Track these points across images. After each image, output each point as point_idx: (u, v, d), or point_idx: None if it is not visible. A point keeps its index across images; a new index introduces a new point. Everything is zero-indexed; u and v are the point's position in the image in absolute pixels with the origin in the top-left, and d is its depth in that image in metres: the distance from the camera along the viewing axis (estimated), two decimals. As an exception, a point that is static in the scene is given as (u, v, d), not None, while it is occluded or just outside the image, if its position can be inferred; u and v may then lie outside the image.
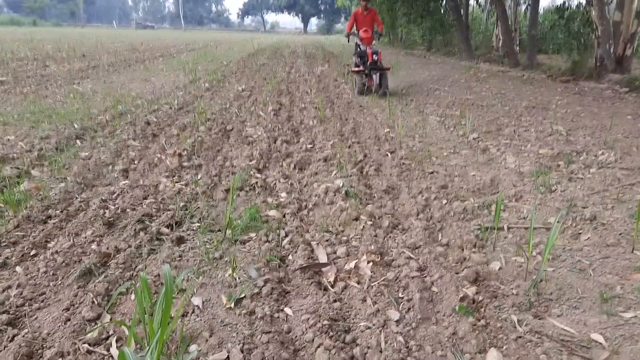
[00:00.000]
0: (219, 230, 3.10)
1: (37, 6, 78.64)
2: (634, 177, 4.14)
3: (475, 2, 20.76)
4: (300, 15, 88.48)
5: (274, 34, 67.33)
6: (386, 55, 20.07)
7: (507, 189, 3.99)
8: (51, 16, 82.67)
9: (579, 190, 3.96)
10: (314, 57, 18.36)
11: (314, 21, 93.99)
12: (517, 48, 15.74)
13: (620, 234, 3.12)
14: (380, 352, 2.01)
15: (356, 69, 9.17)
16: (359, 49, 9.33)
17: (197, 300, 2.33)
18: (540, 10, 20.26)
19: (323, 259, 2.77)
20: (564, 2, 14.58)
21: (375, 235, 3.06)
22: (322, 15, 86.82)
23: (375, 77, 8.75)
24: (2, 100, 7.40)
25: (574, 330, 2.18)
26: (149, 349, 1.60)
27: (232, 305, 2.31)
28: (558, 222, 2.57)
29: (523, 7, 19.18)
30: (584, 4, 13.51)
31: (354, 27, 9.88)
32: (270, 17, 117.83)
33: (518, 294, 2.45)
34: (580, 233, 3.16)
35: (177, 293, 2.42)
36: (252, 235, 3.04)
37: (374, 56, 8.66)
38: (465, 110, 7.14)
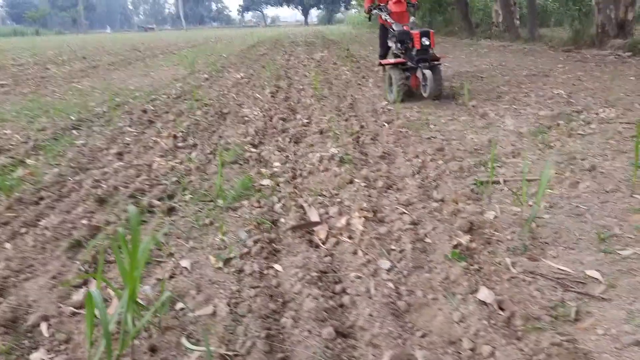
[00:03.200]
0: (211, 201, 3.07)
1: (38, 15, 79.00)
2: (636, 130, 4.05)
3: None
4: (300, 7, 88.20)
5: (275, 27, 67.12)
6: (375, 42, 19.93)
7: (505, 147, 3.92)
8: (53, 25, 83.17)
9: (578, 145, 3.88)
10: (313, 45, 18.25)
11: (314, 13, 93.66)
12: (518, 22, 15.52)
13: (619, 181, 3.06)
14: (370, 297, 1.96)
15: (392, 60, 6.17)
16: (392, 30, 6.40)
17: (185, 262, 2.30)
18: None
19: (315, 218, 2.73)
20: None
21: (369, 195, 3.01)
22: (321, 6, 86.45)
23: (426, 73, 5.58)
24: (1, 101, 7.42)
25: (570, 269, 2.12)
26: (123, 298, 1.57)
27: (221, 265, 2.27)
28: (550, 164, 2.50)
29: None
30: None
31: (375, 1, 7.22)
32: (271, 11, 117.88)
33: (513, 239, 2.39)
34: (578, 182, 3.09)
35: (166, 257, 2.39)
36: (244, 202, 3.01)
37: (423, 40, 5.70)
38: (465, 82, 7.04)
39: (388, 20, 6.47)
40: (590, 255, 2.23)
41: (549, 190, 2.99)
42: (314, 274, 2.12)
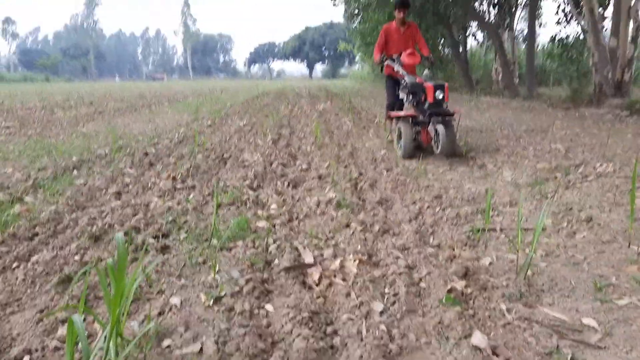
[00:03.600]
0: (206, 240, 3.05)
1: (49, 63, 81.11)
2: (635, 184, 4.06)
3: (472, 37, 21.10)
4: (305, 61, 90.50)
5: (281, 80, 68.64)
6: (381, 94, 20.32)
7: (502, 197, 3.93)
8: (64, 72, 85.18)
9: (575, 197, 3.89)
10: (317, 97, 18.61)
11: (319, 67, 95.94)
12: (517, 80, 15.88)
13: (616, 232, 3.04)
14: (361, 339, 1.92)
15: (402, 113, 5.85)
16: (403, 82, 6.15)
17: (175, 300, 2.26)
18: (540, 44, 20.58)
19: (309, 260, 2.70)
20: (560, 32, 14.78)
21: (365, 239, 2.99)
22: (326, 61, 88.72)
23: (439, 129, 5.31)
24: (5, 141, 7.51)
25: (566, 316, 2.08)
26: (105, 330, 1.54)
27: (211, 303, 2.24)
28: (545, 213, 2.50)
29: (521, 41, 19.49)
30: (579, 33, 13.69)
31: (385, 51, 6.88)
32: (277, 65, 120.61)
33: (508, 286, 2.35)
34: (575, 232, 3.07)
35: (156, 294, 2.35)
36: (239, 242, 2.99)
37: (437, 93, 5.43)
38: (465, 135, 7.13)
39: (400, 72, 6.17)
40: (587, 303, 2.19)
41: (546, 239, 2.97)
42: (305, 314, 2.08)
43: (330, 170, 4.91)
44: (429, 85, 5.50)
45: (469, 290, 2.30)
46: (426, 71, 6.31)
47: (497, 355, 1.79)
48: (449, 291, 2.26)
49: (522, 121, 8.97)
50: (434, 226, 3.31)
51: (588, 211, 3.47)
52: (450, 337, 1.93)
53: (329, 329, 2.04)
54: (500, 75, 16.00)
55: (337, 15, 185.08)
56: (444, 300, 2.19)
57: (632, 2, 11.07)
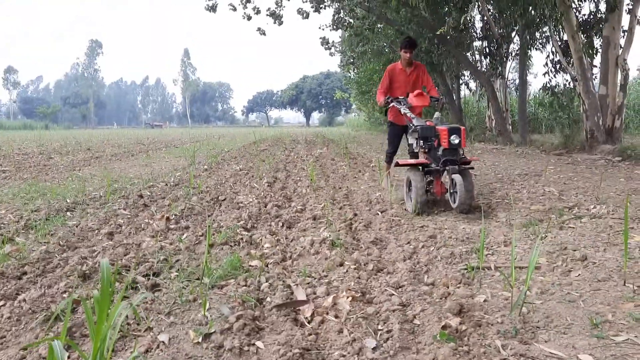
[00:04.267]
0: (197, 279, 3.01)
1: (49, 111, 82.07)
2: (628, 224, 4.06)
3: (465, 86, 21.53)
4: (302, 110, 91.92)
5: (278, 127, 69.44)
6: (377, 141, 20.54)
7: (497, 237, 3.91)
8: (63, 120, 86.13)
9: (569, 236, 3.88)
10: (313, 143, 18.80)
11: (315, 115, 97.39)
12: (510, 128, 16.11)
13: (611, 271, 3.01)
14: (353, 376, 1.87)
15: (412, 161, 5.19)
16: (411, 125, 5.46)
17: (163, 337, 2.21)
18: (532, 92, 21.00)
19: (302, 297, 2.66)
20: (550, 80, 15.12)
21: (359, 277, 2.96)
22: (322, 109, 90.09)
23: (456, 180, 4.62)
24: (0, 185, 7.51)
25: (562, 353, 2.04)
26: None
27: (200, 339, 2.18)
28: (537, 250, 2.49)
29: (513, 89, 19.89)
30: (569, 81, 13.99)
31: (389, 93, 6.32)
32: (274, 113, 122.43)
33: (503, 322, 2.31)
34: (570, 271, 3.05)
35: (144, 331, 2.30)
36: (231, 281, 2.95)
37: (452, 138, 4.79)
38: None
39: (408, 115, 5.57)
40: (583, 340, 2.15)
41: (541, 278, 2.94)
42: (297, 350, 2.04)
43: (325, 212, 4.90)
44: (442, 128, 4.87)
45: (464, 327, 2.26)
46: (437, 114, 5.38)
47: (493, 391, 1.74)
48: (443, 327, 2.21)
49: (516, 166, 9.04)
50: (429, 265, 3.28)
51: (582, 250, 3.46)
52: (445, 374, 1.88)
53: (320, 366, 1.99)
54: (494, 122, 16.24)
55: (333, 64, 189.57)
56: (438, 337, 2.14)
57: (620, 52, 11.38)
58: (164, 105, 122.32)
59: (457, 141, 4.78)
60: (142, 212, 5.17)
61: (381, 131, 29.49)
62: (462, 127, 4.92)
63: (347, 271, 3.09)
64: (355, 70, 28.17)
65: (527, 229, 4.15)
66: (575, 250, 3.47)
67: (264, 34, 19.59)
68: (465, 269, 3.11)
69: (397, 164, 5.25)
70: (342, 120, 76.21)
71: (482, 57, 17.93)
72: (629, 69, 11.61)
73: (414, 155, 5.63)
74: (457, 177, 4.58)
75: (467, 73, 20.30)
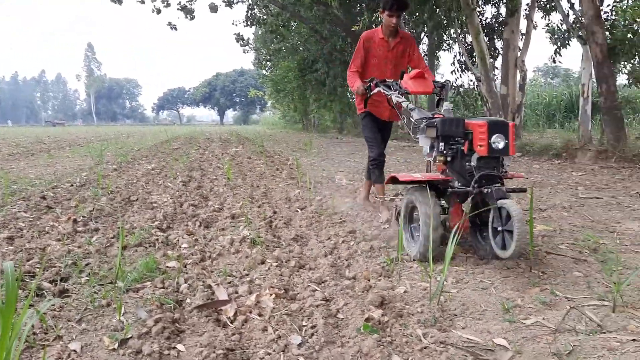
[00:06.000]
0: (110, 282, 2.85)
1: None
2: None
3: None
4: (216, 107, 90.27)
5: (190, 126, 67.66)
6: (293, 139, 20.62)
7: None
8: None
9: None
10: (228, 141, 18.50)
11: (230, 113, 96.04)
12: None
13: (518, 259, 3.19)
14: (279, 373, 1.84)
15: (420, 176, 3.42)
16: (409, 120, 3.87)
17: (75, 345, 2.06)
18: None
19: (223, 297, 2.60)
20: (456, 80, 15.91)
21: (281, 274, 2.93)
22: (237, 107, 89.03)
23: (510, 209, 2.72)
24: None
25: (478, 338, 2.14)
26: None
27: (116, 346, 2.06)
28: (454, 238, 2.59)
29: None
30: (474, 81, 14.77)
31: (364, 74, 4.52)
32: (187, 111, 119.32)
33: (423, 312, 2.39)
34: (482, 259, 3.20)
35: (53, 340, 2.14)
36: (147, 283, 2.82)
37: (494, 138, 2.99)
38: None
39: (403, 105, 3.75)
40: (497, 324, 2.26)
41: (456, 268, 3.07)
42: (220, 351, 1.98)
43: (243, 210, 4.83)
44: (479, 123, 3.03)
45: (386, 319, 2.30)
46: (447, 104, 3.54)
47: (417, 379, 1.78)
48: (367, 320, 2.24)
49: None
50: (349, 259, 3.32)
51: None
52: (370, 365, 1.90)
53: (246, 366, 1.94)
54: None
55: (247, 61, 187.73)
56: (362, 329, 2.17)
57: (519, 54, 12.15)
58: (66, 102, 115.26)
59: (501, 145, 2.96)
60: (45, 214, 4.82)
61: (297, 130, 29.60)
62: (511, 122, 3.09)
63: (269, 269, 3.05)
64: (271, 68, 28.09)
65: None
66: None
67: (175, 28, 19.07)
68: (385, 262, 3.18)
69: (394, 180, 3.42)
70: (257, 118, 75.79)
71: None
72: (526, 70, 12.45)
73: (374, 171, 4.60)
74: (510, 206, 2.73)
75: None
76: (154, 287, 2.75)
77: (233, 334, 2.22)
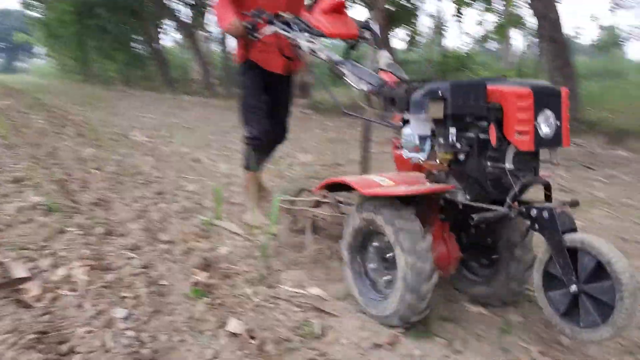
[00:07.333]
0: None
1: None
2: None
3: (170, 36, 21.15)
4: (-29, 52, 76.49)
5: None
6: (74, 91, 18.65)
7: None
8: None
9: (286, 184, 4.23)
10: (-9, 92, 15.88)
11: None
12: (216, 80, 16.53)
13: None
14: (107, 351, 1.70)
15: (402, 190, 1.93)
16: (365, 81, 2.19)
17: None
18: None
19: (22, 274, 2.26)
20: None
21: (88, 243, 2.66)
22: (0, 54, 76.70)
23: (597, 248, 1.56)
24: None
25: (302, 290, 2.25)
26: None
27: None
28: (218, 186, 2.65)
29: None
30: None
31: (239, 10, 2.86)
32: None
33: (250, 271, 2.41)
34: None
35: None
36: None
37: (543, 117, 1.76)
38: (172, 130, 7.09)
39: (323, 55, 2.37)
40: (317, 276, 2.41)
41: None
42: (32, 336, 1.73)
43: (29, 173, 4.22)
44: (519, 91, 1.78)
45: (213, 281, 2.27)
46: (386, 55, 2.35)
47: (254, 338, 1.81)
48: (195, 284, 2.18)
49: (226, 118, 9.34)
50: (163, 222, 3.16)
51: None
52: (205, 330, 1.87)
53: (64, 348, 1.74)
54: (201, 75, 16.42)
55: (12, 1, 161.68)
56: (190, 294, 2.10)
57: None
58: None
59: (552, 130, 1.82)
60: None
61: (76, 81, 26.65)
62: (565, 89, 1.91)
63: (72, 238, 2.74)
64: (42, 10, 24.56)
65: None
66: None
67: None
68: (202, 223, 3.11)
69: (333, 185, 2.34)
70: (27, 67, 66.36)
71: (185, 7, 17.71)
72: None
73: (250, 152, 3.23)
74: (600, 245, 1.59)
75: (171, 23, 19.83)
76: None
77: (42, 314, 1.96)
